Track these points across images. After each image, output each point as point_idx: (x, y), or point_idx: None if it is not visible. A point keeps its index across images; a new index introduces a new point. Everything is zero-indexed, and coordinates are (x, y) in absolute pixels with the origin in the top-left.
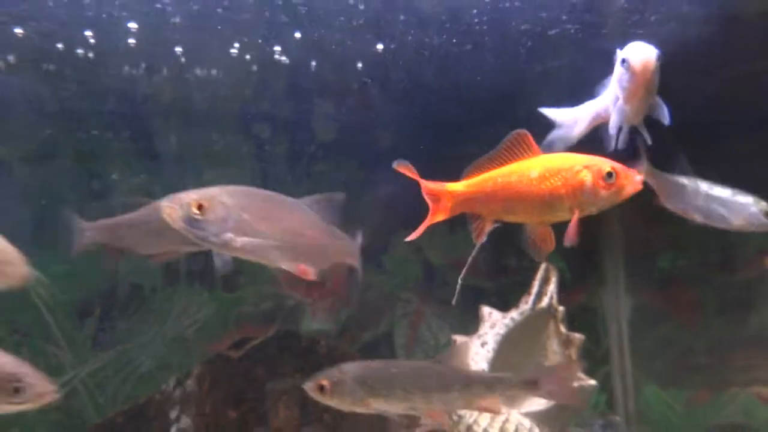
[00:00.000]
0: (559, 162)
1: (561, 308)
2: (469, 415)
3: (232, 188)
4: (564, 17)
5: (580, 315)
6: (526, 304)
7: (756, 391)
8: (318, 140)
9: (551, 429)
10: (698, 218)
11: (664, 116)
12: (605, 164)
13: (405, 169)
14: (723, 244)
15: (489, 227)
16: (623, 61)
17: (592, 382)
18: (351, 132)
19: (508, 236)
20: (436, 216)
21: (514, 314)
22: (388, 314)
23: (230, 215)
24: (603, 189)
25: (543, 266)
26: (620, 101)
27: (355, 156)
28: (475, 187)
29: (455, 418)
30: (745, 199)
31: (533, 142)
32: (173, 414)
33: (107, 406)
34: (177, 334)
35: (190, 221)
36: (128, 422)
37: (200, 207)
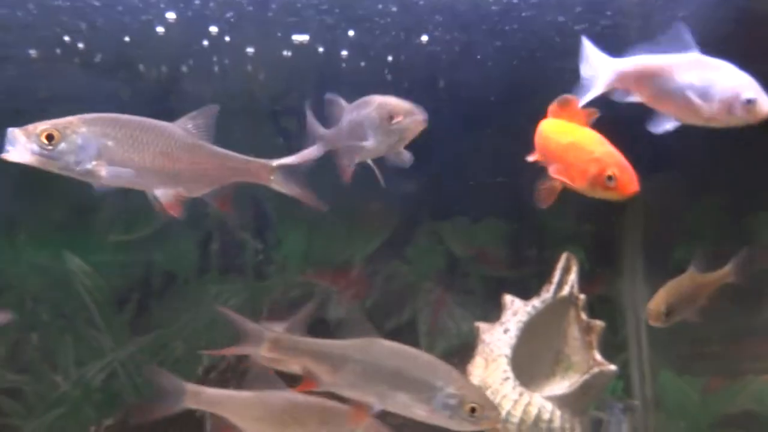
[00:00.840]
0: (586, 142)
1: (582, 296)
2: (492, 398)
3: (92, 116)
4: (590, 16)
5: (599, 305)
6: (547, 293)
7: None
8: None
9: (573, 412)
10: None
11: None
12: (612, 164)
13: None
14: (738, 234)
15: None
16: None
17: (613, 367)
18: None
19: (528, 229)
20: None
21: (536, 302)
22: (410, 303)
23: (90, 143)
24: (600, 187)
25: (564, 256)
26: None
27: None
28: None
29: None
30: None
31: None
32: None
33: (145, 388)
34: (209, 321)
35: (42, 152)
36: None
37: (50, 137)
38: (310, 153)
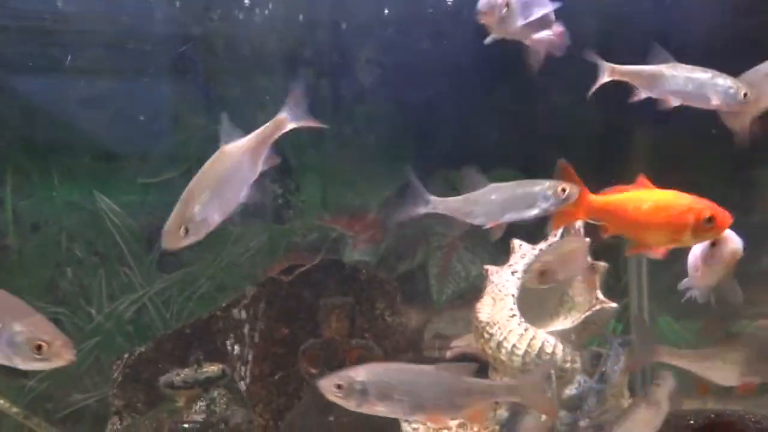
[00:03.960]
0: (671, 200)
1: (587, 239)
2: (500, 333)
3: None
4: None
5: (603, 252)
6: (554, 237)
7: (762, 323)
8: (360, 84)
9: (574, 346)
10: (677, 101)
11: None
12: (706, 208)
13: (568, 170)
14: (741, 188)
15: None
16: None
17: (613, 304)
18: (392, 76)
19: (538, 178)
20: (573, 216)
21: (543, 246)
22: (423, 247)
23: None
24: (702, 231)
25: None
26: None
27: (396, 98)
28: (607, 204)
29: (486, 335)
30: (724, 81)
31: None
32: (233, 329)
33: (173, 321)
34: (233, 260)
35: None
36: (194, 334)
37: None
38: None
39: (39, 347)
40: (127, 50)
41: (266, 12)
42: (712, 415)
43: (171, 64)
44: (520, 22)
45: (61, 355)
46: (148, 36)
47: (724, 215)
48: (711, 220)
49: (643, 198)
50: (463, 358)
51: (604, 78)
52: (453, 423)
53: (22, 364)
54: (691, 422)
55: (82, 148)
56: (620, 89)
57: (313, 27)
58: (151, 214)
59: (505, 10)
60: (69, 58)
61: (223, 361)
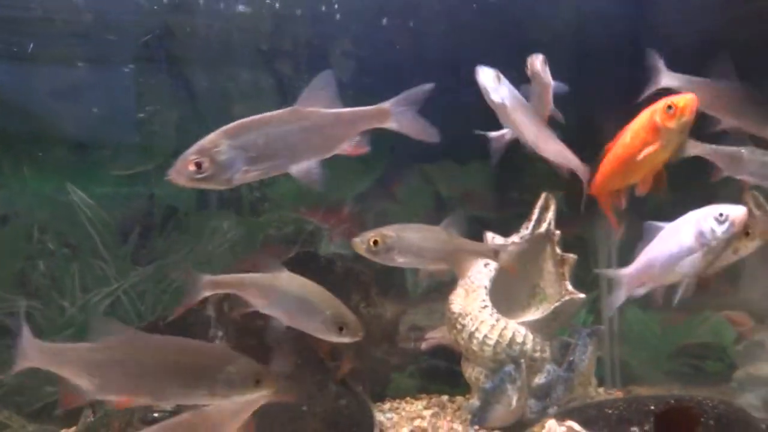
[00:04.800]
0: (639, 118)
1: (557, 232)
2: (472, 324)
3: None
4: None
5: (574, 245)
6: (526, 230)
7: (725, 314)
8: (337, 77)
9: (543, 336)
10: (755, 181)
11: None
12: (664, 101)
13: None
14: (707, 183)
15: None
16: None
17: (582, 295)
18: (366, 68)
19: (511, 172)
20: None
21: (515, 238)
22: None
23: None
24: (668, 120)
25: (543, 195)
26: None
27: (373, 92)
28: (602, 175)
29: (458, 326)
30: None
31: None
32: (208, 321)
33: (147, 314)
34: (208, 253)
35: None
36: (169, 326)
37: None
38: None
39: (341, 328)
40: (100, 40)
41: (240, 2)
42: (672, 401)
43: (144, 54)
44: (237, 173)
45: (356, 334)
46: (121, 25)
47: (680, 97)
48: (671, 107)
49: (623, 135)
50: (437, 348)
51: (691, 152)
52: (427, 413)
53: (328, 338)
54: (651, 407)
55: (54, 139)
56: (596, 84)
57: (289, 18)
58: (125, 207)
59: (192, 169)
60: (31, 45)
61: None
